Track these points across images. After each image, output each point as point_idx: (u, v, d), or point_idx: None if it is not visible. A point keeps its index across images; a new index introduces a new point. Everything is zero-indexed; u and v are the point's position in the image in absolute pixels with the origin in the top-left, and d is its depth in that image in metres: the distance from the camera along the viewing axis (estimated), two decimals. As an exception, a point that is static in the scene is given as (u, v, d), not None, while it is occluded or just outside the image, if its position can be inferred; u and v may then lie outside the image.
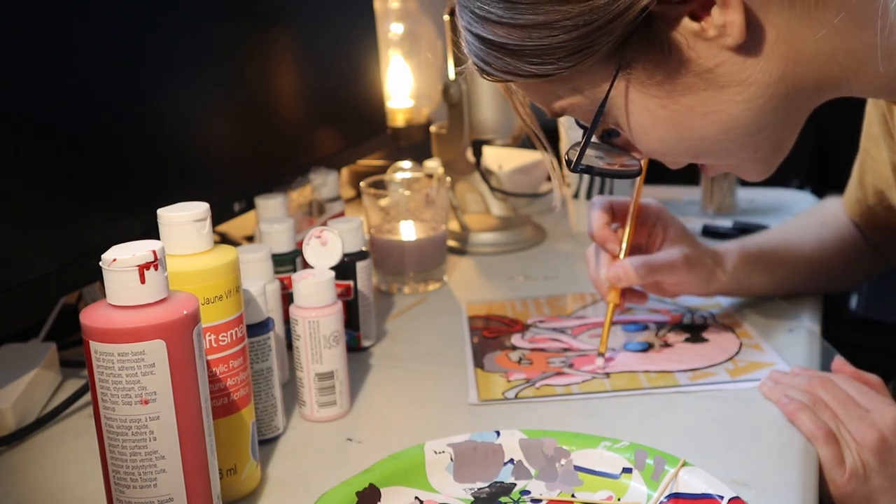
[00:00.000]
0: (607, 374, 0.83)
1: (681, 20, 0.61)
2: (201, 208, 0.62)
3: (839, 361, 0.79)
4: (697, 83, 0.63)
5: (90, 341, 0.54)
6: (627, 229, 0.87)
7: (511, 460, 0.68)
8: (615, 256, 0.87)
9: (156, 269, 0.54)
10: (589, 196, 1.21)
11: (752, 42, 0.62)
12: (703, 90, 0.64)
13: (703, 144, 0.67)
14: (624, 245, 0.87)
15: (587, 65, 0.63)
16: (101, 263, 0.54)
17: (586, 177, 1.20)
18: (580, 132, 0.71)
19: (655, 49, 0.62)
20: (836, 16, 0.61)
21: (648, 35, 0.62)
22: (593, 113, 0.66)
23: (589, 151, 0.69)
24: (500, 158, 1.37)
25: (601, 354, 0.84)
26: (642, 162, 0.74)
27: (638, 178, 0.85)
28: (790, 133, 0.69)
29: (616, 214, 0.89)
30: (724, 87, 0.63)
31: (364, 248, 0.90)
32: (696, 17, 0.61)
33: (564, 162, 0.72)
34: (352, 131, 1.25)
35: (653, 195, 0.94)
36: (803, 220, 1.02)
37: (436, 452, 0.68)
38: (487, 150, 1.31)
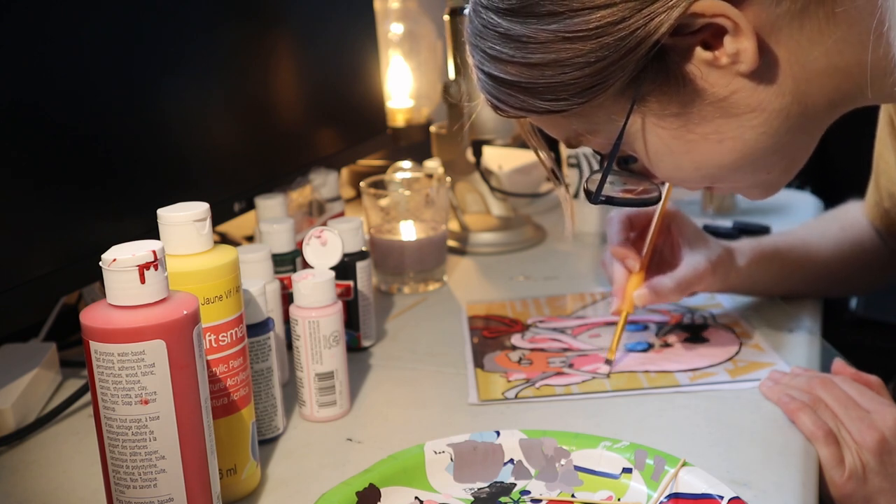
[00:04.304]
0: (607, 375, 0.83)
1: (693, 51, 0.61)
2: (201, 208, 0.62)
3: (839, 363, 0.79)
4: (712, 112, 0.63)
5: (90, 341, 0.54)
6: (648, 242, 0.87)
7: (511, 460, 0.68)
8: (632, 272, 0.87)
9: (156, 269, 0.54)
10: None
11: (765, 67, 0.61)
12: (719, 118, 0.63)
13: (720, 171, 0.67)
14: (645, 252, 0.87)
15: (601, 100, 0.63)
16: (101, 263, 0.54)
17: (585, 177, 1.20)
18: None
19: (669, 81, 0.62)
20: (848, 31, 0.60)
21: (661, 68, 0.61)
22: (609, 144, 0.66)
23: (608, 179, 0.69)
24: (500, 158, 1.37)
25: (608, 361, 0.84)
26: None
27: (664, 189, 0.84)
28: (803, 153, 0.69)
29: (634, 225, 0.89)
30: (740, 115, 0.63)
31: (364, 248, 0.90)
32: (708, 47, 0.61)
33: (583, 191, 0.72)
34: (352, 131, 1.25)
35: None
36: (823, 223, 1.01)
37: (436, 452, 0.68)
38: (487, 150, 1.31)
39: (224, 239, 1.21)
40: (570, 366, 0.85)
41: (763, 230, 1.18)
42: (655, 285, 0.85)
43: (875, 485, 0.70)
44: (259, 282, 0.74)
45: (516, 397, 0.80)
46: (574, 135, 0.68)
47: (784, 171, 0.69)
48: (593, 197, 0.69)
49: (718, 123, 0.64)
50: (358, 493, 0.64)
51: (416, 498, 0.65)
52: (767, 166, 0.67)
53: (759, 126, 0.63)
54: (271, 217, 0.94)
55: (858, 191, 0.99)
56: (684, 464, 0.64)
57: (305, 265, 0.81)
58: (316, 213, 1.08)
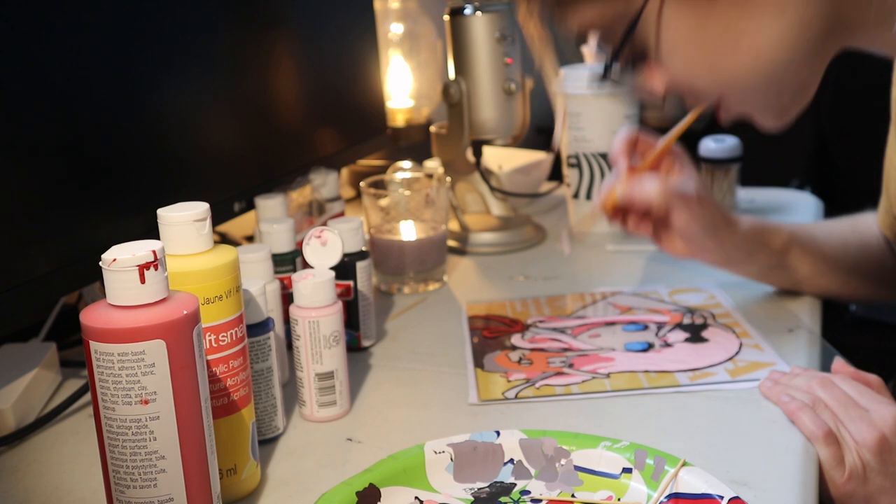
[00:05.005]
0: (607, 375, 0.83)
1: None
2: (201, 208, 0.62)
3: (839, 362, 0.79)
4: (733, 7, 0.63)
5: (90, 341, 0.54)
6: (652, 158, 0.85)
7: (511, 460, 0.68)
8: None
9: (156, 269, 0.54)
10: (589, 196, 1.21)
11: None
12: (738, 13, 0.63)
13: (731, 75, 0.66)
14: (646, 162, 0.85)
15: None
16: (101, 263, 0.54)
17: (586, 177, 1.20)
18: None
19: None
20: None
21: None
22: (621, 32, 0.66)
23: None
24: (500, 158, 1.37)
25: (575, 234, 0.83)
26: (689, 115, 0.74)
27: (683, 120, 0.83)
28: (813, 77, 0.68)
29: (639, 146, 0.88)
30: (761, 14, 0.63)
31: (364, 248, 0.90)
32: None
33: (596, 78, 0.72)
34: (352, 131, 1.25)
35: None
36: (834, 221, 1.01)
37: (436, 452, 0.68)
38: (487, 150, 1.31)
39: (224, 239, 1.21)
40: (570, 366, 0.85)
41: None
42: (640, 180, 0.83)
43: (876, 484, 0.70)
44: (259, 282, 0.74)
45: (516, 397, 0.80)
46: (588, 15, 0.68)
47: (794, 96, 0.69)
48: (603, 75, 0.69)
49: (738, 19, 0.63)
50: (358, 493, 0.64)
51: (416, 498, 0.65)
52: (779, 84, 0.67)
53: (777, 30, 0.63)
54: (271, 217, 0.94)
55: (858, 191, 0.99)
56: (684, 464, 0.64)
57: (305, 265, 0.81)
58: (316, 213, 1.08)
